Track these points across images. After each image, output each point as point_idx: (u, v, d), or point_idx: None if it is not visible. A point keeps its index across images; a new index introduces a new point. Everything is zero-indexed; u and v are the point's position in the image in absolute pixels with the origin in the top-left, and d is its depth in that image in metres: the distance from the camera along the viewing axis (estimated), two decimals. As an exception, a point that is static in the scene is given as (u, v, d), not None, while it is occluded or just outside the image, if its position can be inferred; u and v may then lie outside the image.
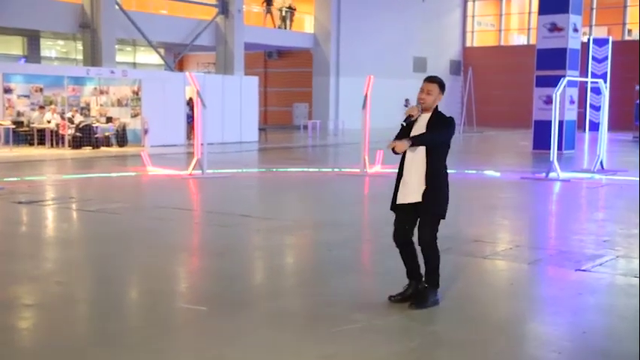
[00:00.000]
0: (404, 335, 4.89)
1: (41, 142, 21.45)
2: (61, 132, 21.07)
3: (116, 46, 27.69)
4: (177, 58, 32.44)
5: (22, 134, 21.72)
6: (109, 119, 22.47)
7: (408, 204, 5.35)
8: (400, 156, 5.42)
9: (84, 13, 26.05)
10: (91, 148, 20.85)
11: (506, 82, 43.24)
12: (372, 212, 10.71)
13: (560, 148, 15.23)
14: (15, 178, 13.61)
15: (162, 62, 31.33)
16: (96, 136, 21.28)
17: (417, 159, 5.34)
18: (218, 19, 31.04)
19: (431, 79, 5.39)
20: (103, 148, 21.17)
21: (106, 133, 21.89)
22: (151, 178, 14.44)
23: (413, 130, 5.33)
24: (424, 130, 5.29)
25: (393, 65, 38.36)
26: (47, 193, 12.08)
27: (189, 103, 23.03)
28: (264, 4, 35.09)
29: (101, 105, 23.12)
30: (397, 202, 5.42)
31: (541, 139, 21.17)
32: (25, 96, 22.51)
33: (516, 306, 5.72)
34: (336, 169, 16.24)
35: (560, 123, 15.45)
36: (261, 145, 24.69)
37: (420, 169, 5.31)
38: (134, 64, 34.93)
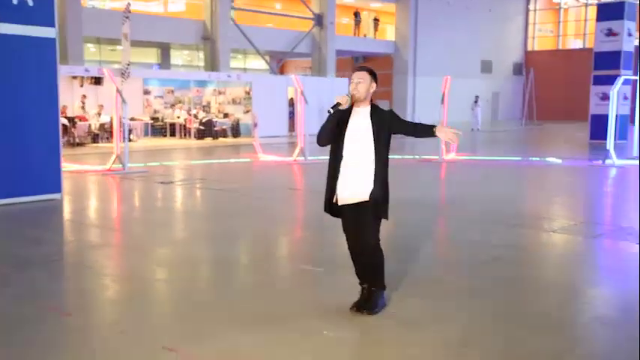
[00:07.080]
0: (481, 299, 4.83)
1: (172, 134, 22.24)
2: (187, 126, 21.76)
3: (230, 54, 28.28)
4: (279, 63, 32.76)
5: (158, 128, 22.60)
6: (226, 115, 23.01)
7: (354, 203, 4.13)
8: (329, 147, 4.16)
9: (205, 28, 26.74)
10: (211, 139, 21.43)
11: (563, 81, 41.48)
12: (447, 194, 10.60)
13: (614, 138, 14.59)
14: (154, 163, 14.21)
15: (267, 67, 31.77)
16: (215, 129, 21.85)
17: (365, 149, 4.08)
18: (314, 30, 31.17)
19: (360, 68, 4.16)
20: (221, 139, 21.72)
21: (224, 127, 22.43)
22: (262, 163, 14.75)
23: (351, 123, 4.10)
24: (365, 123, 4.08)
25: (463, 66, 37.47)
26: (179, 175, 12.55)
27: (290, 101, 23.30)
28: (355, 17, 35.01)
29: (219, 103, 23.70)
30: (340, 203, 4.17)
31: (597, 131, 20.33)
32: (160, 96, 23.36)
33: (584, 274, 5.56)
34: (416, 157, 16.10)
35: (615, 117, 14.80)
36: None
37: (368, 162, 4.09)
38: (244, 69, 35.54)
